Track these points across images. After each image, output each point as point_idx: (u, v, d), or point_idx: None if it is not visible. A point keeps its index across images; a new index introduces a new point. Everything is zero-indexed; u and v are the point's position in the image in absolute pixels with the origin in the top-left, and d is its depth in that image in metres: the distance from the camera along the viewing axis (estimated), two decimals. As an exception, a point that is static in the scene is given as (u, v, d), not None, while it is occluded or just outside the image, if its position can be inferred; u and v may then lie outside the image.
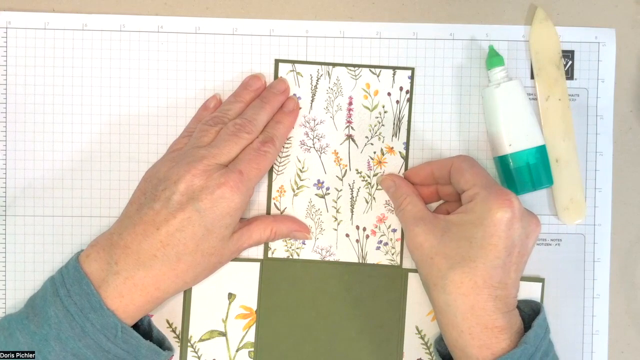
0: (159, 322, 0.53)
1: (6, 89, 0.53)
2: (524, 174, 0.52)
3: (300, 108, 0.54)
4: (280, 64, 0.54)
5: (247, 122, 0.50)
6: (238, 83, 0.54)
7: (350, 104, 0.54)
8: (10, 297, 0.53)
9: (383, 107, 0.54)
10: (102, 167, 0.54)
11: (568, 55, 0.55)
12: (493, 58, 0.53)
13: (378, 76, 0.54)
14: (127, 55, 0.54)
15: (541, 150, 0.52)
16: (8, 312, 0.53)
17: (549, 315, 0.53)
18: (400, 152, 0.54)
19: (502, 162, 0.53)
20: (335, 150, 0.54)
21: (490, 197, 0.47)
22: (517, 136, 0.52)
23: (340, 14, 0.55)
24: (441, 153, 0.55)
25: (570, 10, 0.55)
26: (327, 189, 0.54)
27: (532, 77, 0.55)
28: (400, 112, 0.54)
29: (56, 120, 0.54)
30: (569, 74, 0.55)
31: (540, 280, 0.54)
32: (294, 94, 0.54)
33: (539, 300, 0.54)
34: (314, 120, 0.54)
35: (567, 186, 0.54)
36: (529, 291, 0.54)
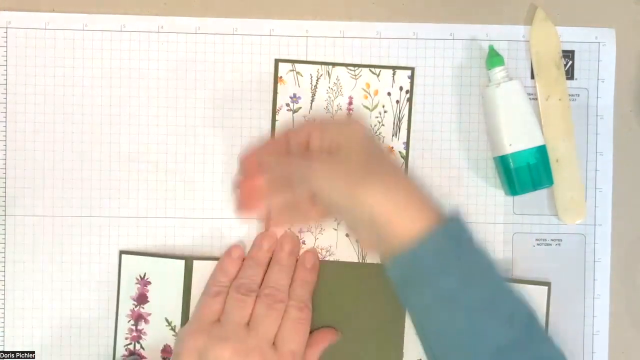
0: (158, 322, 0.53)
1: (6, 89, 0.53)
2: (524, 174, 0.52)
3: (320, 260, 0.54)
4: (280, 64, 0.54)
5: (276, 291, 0.50)
6: (238, 83, 0.54)
7: (350, 103, 0.54)
8: (10, 297, 0.53)
9: (383, 107, 0.54)
10: (102, 167, 0.54)
11: (568, 55, 0.55)
12: (493, 58, 0.53)
13: (378, 76, 0.54)
14: (127, 56, 0.54)
15: (541, 150, 0.52)
16: (7, 311, 0.53)
17: (549, 315, 0.53)
18: (400, 151, 0.54)
19: (502, 162, 0.53)
20: None
21: None
22: (517, 136, 0.52)
23: (340, 14, 0.55)
24: (441, 153, 0.54)
25: (570, 10, 0.55)
26: None
27: (532, 77, 0.55)
28: (400, 112, 0.54)
29: (56, 120, 0.54)
30: (569, 74, 0.55)
31: (547, 284, 0.54)
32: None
33: (545, 305, 0.54)
34: (314, 120, 0.54)
35: (567, 186, 0.54)
36: (535, 295, 0.54)
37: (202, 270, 0.53)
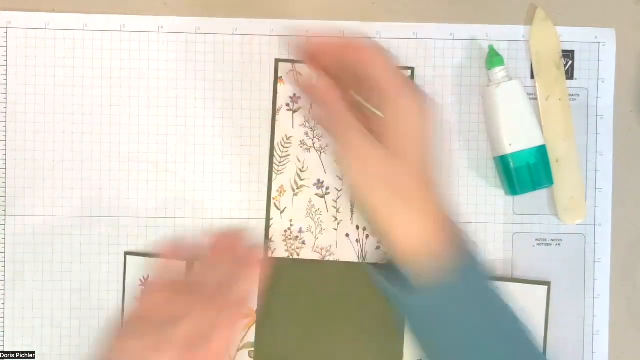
0: (158, 322, 0.53)
1: (6, 89, 0.54)
2: (524, 174, 0.52)
3: (261, 258, 0.53)
4: (280, 64, 0.54)
5: (206, 288, 0.47)
6: (238, 83, 0.54)
7: None
8: (9, 297, 0.53)
9: None
10: (102, 167, 0.54)
11: (568, 55, 0.55)
12: (493, 58, 0.53)
13: None
14: (127, 56, 0.54)
15: (541, 150, 0.52)
16: (7, 312, 0.53)
17: (549, 315, 0.53)
18: None
19: (502, 162, 0.53)
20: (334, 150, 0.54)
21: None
22: (517, 136, 0.52)
23: (341, 14, 0.55)
24: (441, 153, 0.54)
25: (570, 10, 0.55)
26: (327, 188, 0.54)
27: (532, 77, 0.55)
28: None
29: (56, 120, 0.54)
30: (569, 74, 0.55)
31: (546, 283, 0.54)
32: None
33: (544, 305, 0.54)
34: (314, 120, 0.54)
35: (567, 186, 0.54)
36: (534, 295, 0.54)
37: None
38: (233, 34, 0.54)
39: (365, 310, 0.54)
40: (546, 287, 0.54)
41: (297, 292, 0.54)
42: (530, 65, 0.55)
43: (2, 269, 0.53)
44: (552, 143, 0.54)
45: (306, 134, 0.54)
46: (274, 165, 0.54)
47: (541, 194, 0.55)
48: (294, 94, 0.54)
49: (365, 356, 0.54)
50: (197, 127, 0.54)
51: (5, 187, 0.54)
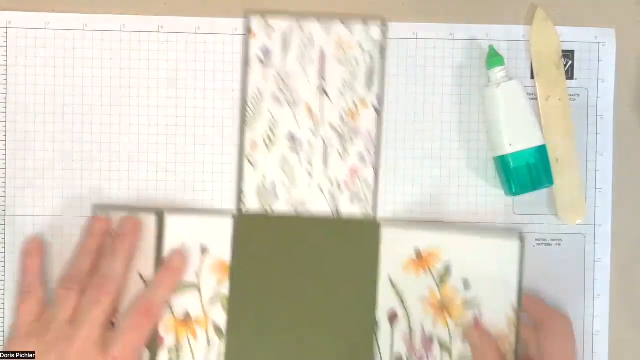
0: (131, 277, 0.52)
1: (6, 89, 0.54)
2: (524, 174, 0.52)
3: (186, 264, 0.53)
4: (252, 17, 0.54)
5: (105, 281, 0.48)
6: (238, 83, 0.54)
7: (323, 57, 0.54)
8: (9, 297, 0.53)
9: (356, 60, 0.54)
10: (102, 167, 0.54)
11: (568, 55, 0.55)
12: (493, 58, 0.53)
13: (351, 30, 0.54)
14: (127, 56, 0.54)
15: (541, 150, 0.52)
16: (7, 312, 0.53)
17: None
18: (373, 105, 0.54)
19: (502, 162, 0.53)
20: (307, 104, 0.54)
21: None
22: (517, 136, 0.52)
23: (341, 13, 0.55)
24: (441, 153, 0.54)
25: (570, 10, 0.55)
26: (300, 143, 0.54)
27: (532, 77, 0.55)
28: (373, 66, 0.54)
29: (56, 120, 0.54)
30: (569, 74, 0.55)
31: (520, 238, 0.51)
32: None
33: (517, 260, 0.51)
34: (286, 74, 0.54)
35: (567, 186, 0.54)
36: (506, 250, 0.52)
37: (176, 224, 0.53)
38: (233, 34, 0.54)
39: (340, 262, 0.53)
40: (518, 241, 0.51)
41: (270, 246, 0.54)
42: (530, 65, 0.55)
43: (2, 268, 0.53)
44: (552, 143, 0.54)
45: (278, 87, 0.54)
46: (245, 120, 0.54)
47: (541, 194, 0.55)
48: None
49: (339, 307, 0.53)
50: (197, 127, 0.54)
51: (5, 187, 0.54)
